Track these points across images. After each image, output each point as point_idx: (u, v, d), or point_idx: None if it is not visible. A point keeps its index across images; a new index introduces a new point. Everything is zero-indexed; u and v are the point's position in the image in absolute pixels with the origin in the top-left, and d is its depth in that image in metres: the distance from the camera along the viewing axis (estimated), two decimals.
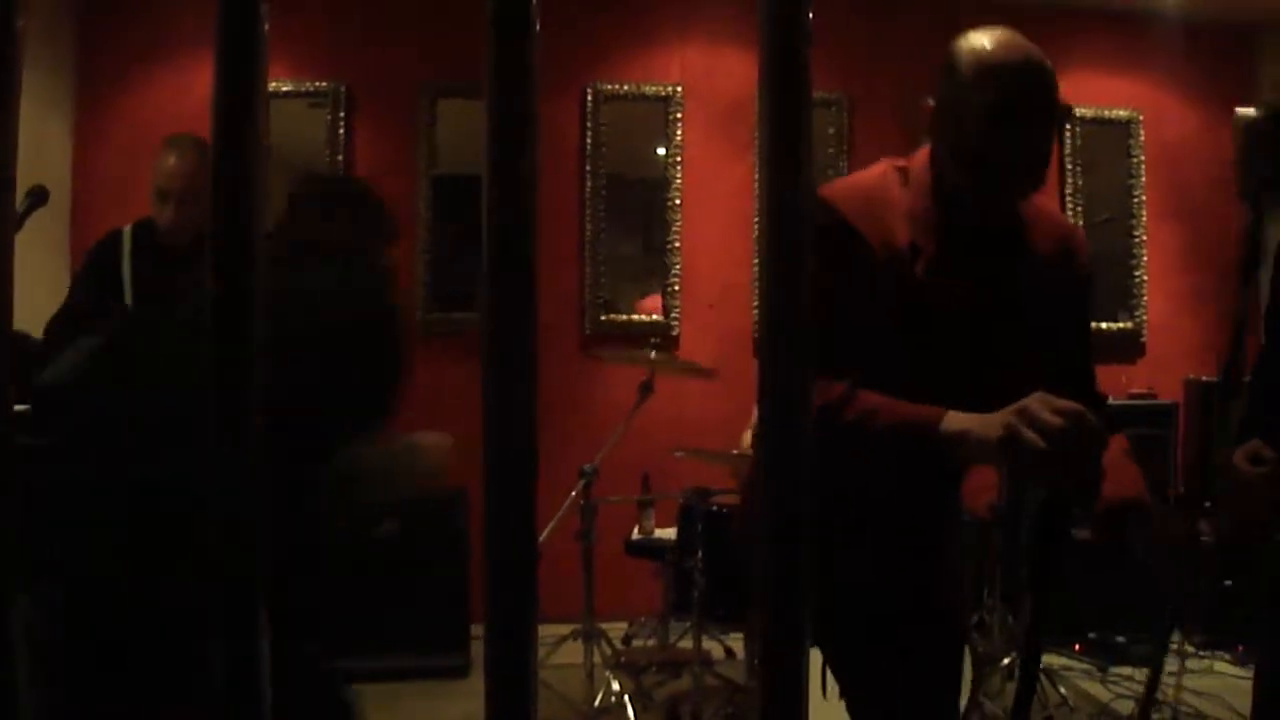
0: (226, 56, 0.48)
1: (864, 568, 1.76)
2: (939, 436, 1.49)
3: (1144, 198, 5.64)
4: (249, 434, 0.50)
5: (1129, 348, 5.62)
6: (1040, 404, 1.40)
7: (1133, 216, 5.62)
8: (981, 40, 1.64)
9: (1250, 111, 2.44)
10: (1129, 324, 5.62)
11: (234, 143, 0.48)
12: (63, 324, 3.04)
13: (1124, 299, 5.63)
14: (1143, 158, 5.65)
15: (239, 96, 0.48)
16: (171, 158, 3.02)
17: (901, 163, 1.77)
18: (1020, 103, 1.60)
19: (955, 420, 1.49)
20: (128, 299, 3.02)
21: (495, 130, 0.49)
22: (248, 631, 0.49)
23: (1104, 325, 5.57)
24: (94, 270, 3.11)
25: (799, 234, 0.51)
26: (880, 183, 1.72)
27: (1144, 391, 5.16)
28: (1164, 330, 5.63)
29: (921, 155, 1.75)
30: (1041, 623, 1.76)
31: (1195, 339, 5.64)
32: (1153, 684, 2.29)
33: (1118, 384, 5.32)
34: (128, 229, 3.12)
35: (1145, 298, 5.63)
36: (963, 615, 2.00)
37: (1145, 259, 5.63)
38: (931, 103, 1.71)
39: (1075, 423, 1.38)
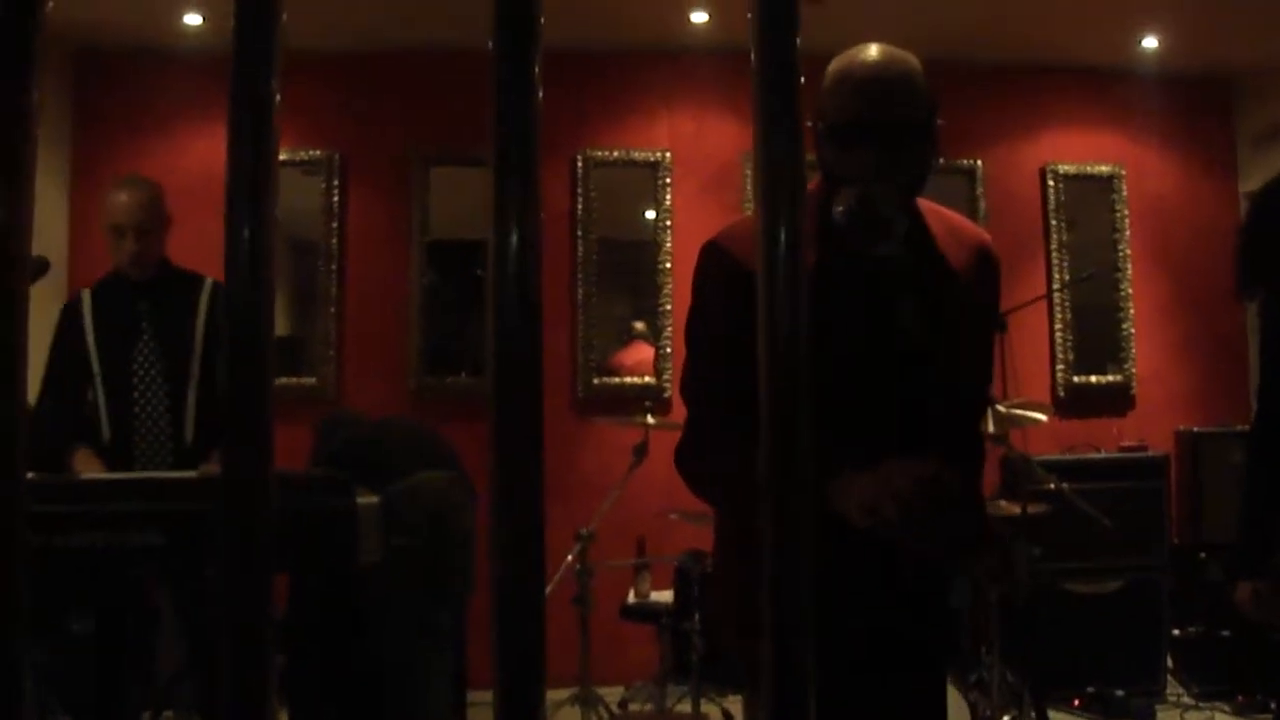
0: (241, 131, 0.49)
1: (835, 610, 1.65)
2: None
3: (1129, 251, 5.69)
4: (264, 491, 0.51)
5: (1118, 400, 5.63)
6: (894, 475, 1.38)
7: (1118, 270, 5.67)
8: (846, 57, 1.59)
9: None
10: (1118, 376, 5.64)
11: (249, 216, 0.49)
12: (49, 399, 3.09)
13: (1112, 352, 5.66)
14: (1126, 212, 5.71)
15: (253, 169, 0.50)
16: (123, 194, 3.12)
17: None
18: (869, 122, 1.54)
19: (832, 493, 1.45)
20: (94, 359, 3.08)
21: (501, 198, 0.50)
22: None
23: (1093, 378, 5.60)
24: (61, 339, 3.16)
25: (797, 288, 0.53)
26: None
27: (1134, 444, 5.16)
28: (1153, 382, 5.65)
29: (815, 180, 1.69)
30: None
31: (1184, 390, 5.66)
32: None
33: (1108, 437, 5.33)
34: (86, 291, 3.19)
35: (1133, 350, 5.65)
36: (945, 667, 1.89)
37: (1132, 311, 5.66)
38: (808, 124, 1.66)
39: (927, 493, 1.36)
